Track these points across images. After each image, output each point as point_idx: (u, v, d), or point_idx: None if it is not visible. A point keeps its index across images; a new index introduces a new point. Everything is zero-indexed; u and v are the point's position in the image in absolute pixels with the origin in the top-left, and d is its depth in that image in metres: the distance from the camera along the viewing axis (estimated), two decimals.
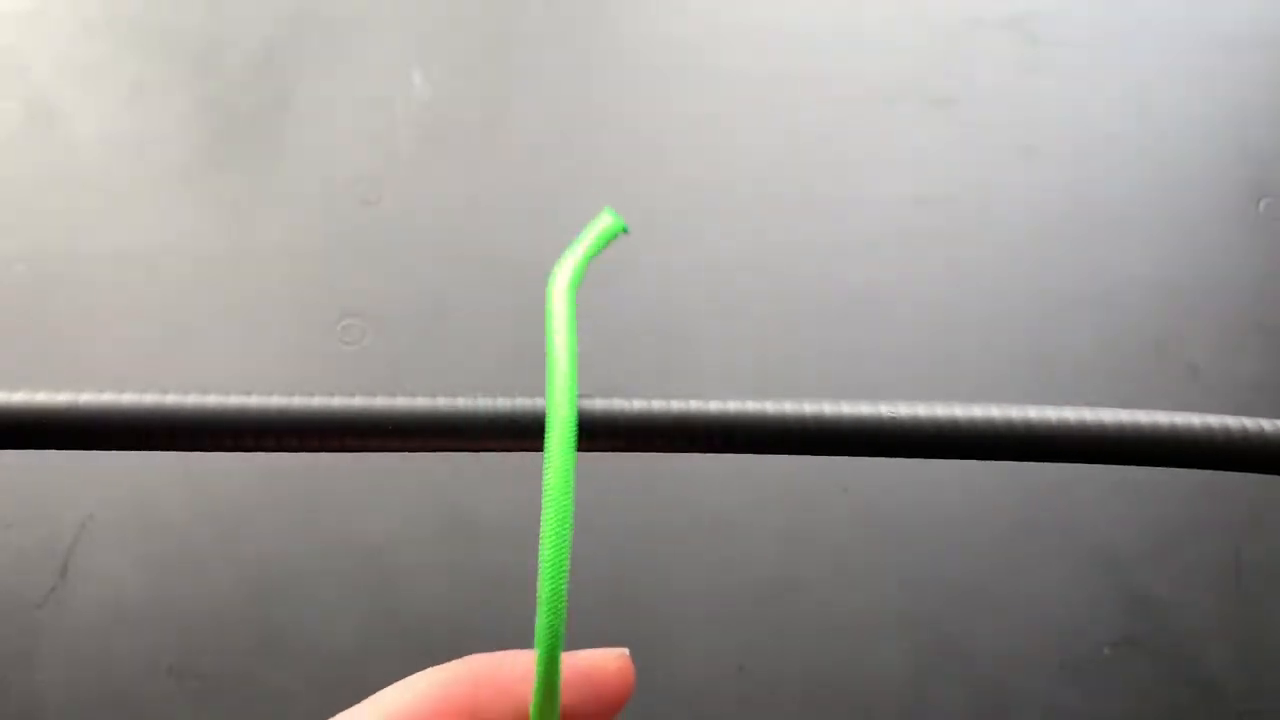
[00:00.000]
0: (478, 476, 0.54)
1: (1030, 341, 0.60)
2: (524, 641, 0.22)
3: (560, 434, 0.20)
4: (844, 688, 0.51)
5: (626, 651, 0.22)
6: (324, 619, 0.51)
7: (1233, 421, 0.20)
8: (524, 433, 0.21)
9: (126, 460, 0.48)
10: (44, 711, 0.49)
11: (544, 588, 0.19)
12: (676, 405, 0.21)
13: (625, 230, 0.21)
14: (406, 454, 0.22)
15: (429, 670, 0.20)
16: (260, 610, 0.51)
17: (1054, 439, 0.21)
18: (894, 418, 0.21)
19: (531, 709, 0.19)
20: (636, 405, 0.21)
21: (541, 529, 0.19)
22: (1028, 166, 0.66)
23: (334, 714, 0.19)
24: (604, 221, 0.21)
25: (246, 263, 0.60)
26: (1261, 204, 0.65)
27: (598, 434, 0.21)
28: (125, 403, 0.19)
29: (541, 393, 0.21)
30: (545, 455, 0.20)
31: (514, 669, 0.20)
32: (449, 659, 0.21)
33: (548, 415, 0.20)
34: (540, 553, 0.19)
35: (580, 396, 0.21)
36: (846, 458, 0.22)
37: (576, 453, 0.20)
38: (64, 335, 0.58)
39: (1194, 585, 0.54)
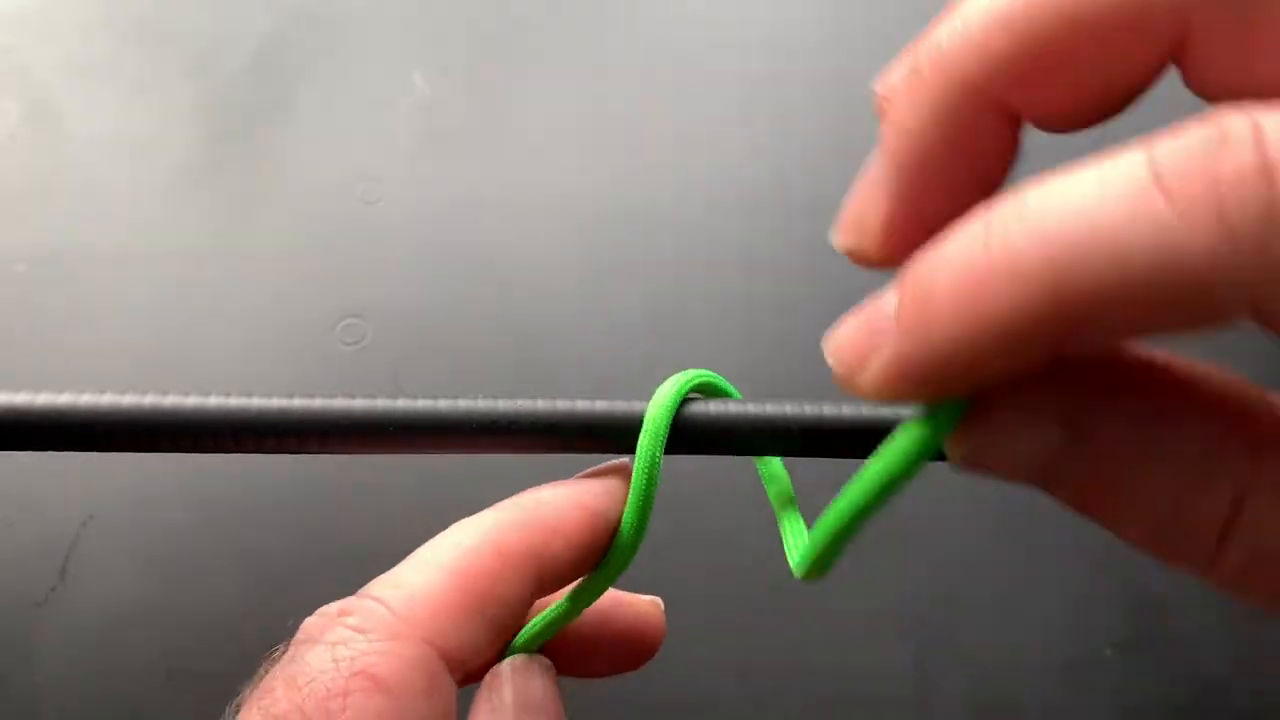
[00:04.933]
0: (478, 476, 0.54)
1: None
2: None
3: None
4: (845, 689, 0.51)
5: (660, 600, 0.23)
6: None
7: None
8: (522, 434, 0.21)
9: (126, 460, 0.48)
10: (44, 711, 0.49)
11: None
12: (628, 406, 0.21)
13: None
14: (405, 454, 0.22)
15: (477, 521, 0.21)
16: (260, 611, 0.51)
17: None
18: (893, 418, 0.21)
19: (624, 522, 0.20)
20: (619, 407, 0.21)
21: None
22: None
23: None
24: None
25: (246, 263, 0.60)
26: None
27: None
28: (125, 403, 0.19)
29: (542, 394, 0.21)
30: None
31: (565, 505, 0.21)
32: None
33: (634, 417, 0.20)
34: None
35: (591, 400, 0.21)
36: (845, 459, 0.22)
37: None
38: (64, 335, 0.58)
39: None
